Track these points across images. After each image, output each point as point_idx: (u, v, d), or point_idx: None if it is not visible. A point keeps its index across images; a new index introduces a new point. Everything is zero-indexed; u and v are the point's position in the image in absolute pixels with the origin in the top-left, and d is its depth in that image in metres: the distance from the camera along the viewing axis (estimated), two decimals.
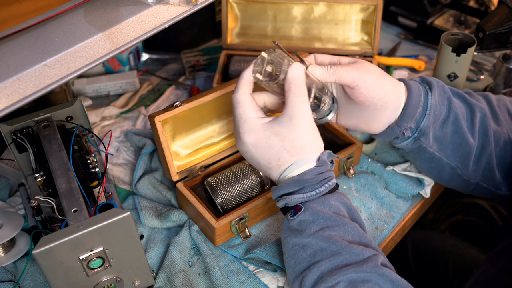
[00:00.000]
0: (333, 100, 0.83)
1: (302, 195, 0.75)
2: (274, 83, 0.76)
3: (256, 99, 0.78)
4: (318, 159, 0.75)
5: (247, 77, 0.76)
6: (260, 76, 0.76)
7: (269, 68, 0.76)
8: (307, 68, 0.79)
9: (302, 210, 0.75)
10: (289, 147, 0.73)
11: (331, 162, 0.77)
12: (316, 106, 0.80)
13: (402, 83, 0.84)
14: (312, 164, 0.75)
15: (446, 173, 0.91)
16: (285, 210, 0.78)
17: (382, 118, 0.84)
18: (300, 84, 0.73)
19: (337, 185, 0.78)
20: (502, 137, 0.88)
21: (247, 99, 0.75)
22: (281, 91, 0.76)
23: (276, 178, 0.78)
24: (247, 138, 0.75)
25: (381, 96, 0.80)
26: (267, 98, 0.80)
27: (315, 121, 0.82)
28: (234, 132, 0.79)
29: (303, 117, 0.73)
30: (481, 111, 0.87)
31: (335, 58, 0.83)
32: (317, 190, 0.75)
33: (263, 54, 0.76)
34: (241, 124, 0.75)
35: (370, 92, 0.79)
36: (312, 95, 0.79)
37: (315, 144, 0.75)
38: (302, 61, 0.80)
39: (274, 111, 0.82)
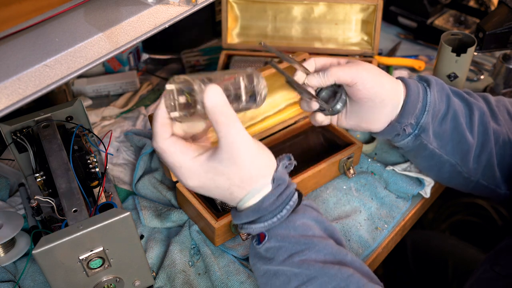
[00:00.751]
0: (339, 90, 0.83)
1: (263, 224, 0.68)
2: (194, 114, 0.64)
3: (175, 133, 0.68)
4: (273, 180, 0.67)
5: (162, 118, 0.65)
6: (176, 113, 0.64)
7: (182, 99, 0.63)
8: (307, 74, 0.79)
9: (266, 238, 0.69)
10: (238, 182, 0.65)
11: (288, 163, 0.70)
12: (252, 99, 0.67)
13: (400, 81, 0.84)
14: (268, 188, 0.67)
15: (446, 170, 0.91)
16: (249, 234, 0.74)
17: (382, 116, 0.84)
18: (225, 110, 0.62)
19: (300, 197, 0.70)
20: (501, 136, 0.88)
21: (171, 143, 0.65)
22: (205, 116, 0.64)
23: (234, 205, 0.71)
24: (190, 183, 0.67)
25: (379, 93, 0.81)
26: (185, 126, 0.69)
27: (326, 114, 0.82)
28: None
29: (244, 147, 0.64)
30: (480, 109, 0.88)
31: (335, 60, 0.83)
32: (278, 216, 0.68)
33: (168, 86, 0.63)
34: (178, 172, 0.66)
35: (368, 89, 0.80)
36: (244, 97, 0.66)
37: (266, 168, 0.67)
38: (302, 67, 0.80)
39: (198, 135, 0.72)
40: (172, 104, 0.64)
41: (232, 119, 0.62)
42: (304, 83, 0.81)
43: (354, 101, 0.82)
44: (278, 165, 0.68)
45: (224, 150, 0.63)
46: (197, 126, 0.69)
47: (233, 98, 0.64)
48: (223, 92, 0.62)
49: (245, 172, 0.65)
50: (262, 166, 0.67)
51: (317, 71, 0.81)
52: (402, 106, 0.83)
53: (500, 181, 0.91)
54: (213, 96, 0.61)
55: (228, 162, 0.64)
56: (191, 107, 0.63)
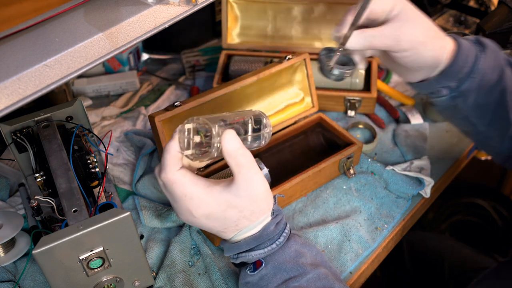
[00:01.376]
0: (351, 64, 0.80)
1: (263, 250, 0.72)
2: (207, 156, 0.67)
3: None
4: (273, 212, 0.73)
5: (174, 150, 0.67)
6: (189, 152, 0.67)
7: (197, 138, 0.67)
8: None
9: (264, 264, 0.72)
10: (248, 215, 0.69)
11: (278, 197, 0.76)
12: (257, 141, 0.73)
13: (448, 48, 0.77)
14: (268, 218, 0.72)
15: (479, 140, 0.88)
16: (241, 264, 0.75)
17: (417, 74, 0.80)
18: (245, 153, 0.66)
19: (288, 225, 0.75)
20: None
21: (182, 175, 0.67)
22: (213, 156, 0.69)
23: (230, 237, 0.73)
24: (198, 213, 0.68)
25: (415, 61, 0.77)
26: (188, 162, 0.71)
27: (333, 79, 0.79)
28: (174, 208, 0.72)
29: (260, 185, 0.68)
30: None
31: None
32: (277, 242, 0.72)
33: (187, 125, 0.67)
34: (187, 203, 0.68)
35: (404, 57, 0.76)
36: (249, 139, 0.71)
37: (270, 201, 0.72)
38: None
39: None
40: (186, 141, 0.67)
41: (251, 160, 0.67)
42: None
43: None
44: (275, 197, 0.74)
45: (242, 188, 0.67)
46: (197, 163, 0.72)
47: (242, 139, 0.69)
48: (238, 136, 0.66)
49: (257, 206, 0.69)
50: (269, 201, 0.71)
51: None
52: (446, 68, 0.78)
53: None
54: (230, 141, 0.65)
55: (245, 197, 0.67)
56: (203, 147, 0.67)
